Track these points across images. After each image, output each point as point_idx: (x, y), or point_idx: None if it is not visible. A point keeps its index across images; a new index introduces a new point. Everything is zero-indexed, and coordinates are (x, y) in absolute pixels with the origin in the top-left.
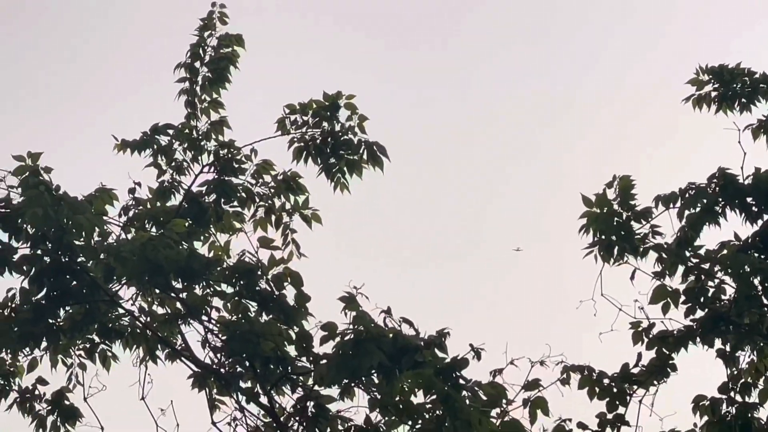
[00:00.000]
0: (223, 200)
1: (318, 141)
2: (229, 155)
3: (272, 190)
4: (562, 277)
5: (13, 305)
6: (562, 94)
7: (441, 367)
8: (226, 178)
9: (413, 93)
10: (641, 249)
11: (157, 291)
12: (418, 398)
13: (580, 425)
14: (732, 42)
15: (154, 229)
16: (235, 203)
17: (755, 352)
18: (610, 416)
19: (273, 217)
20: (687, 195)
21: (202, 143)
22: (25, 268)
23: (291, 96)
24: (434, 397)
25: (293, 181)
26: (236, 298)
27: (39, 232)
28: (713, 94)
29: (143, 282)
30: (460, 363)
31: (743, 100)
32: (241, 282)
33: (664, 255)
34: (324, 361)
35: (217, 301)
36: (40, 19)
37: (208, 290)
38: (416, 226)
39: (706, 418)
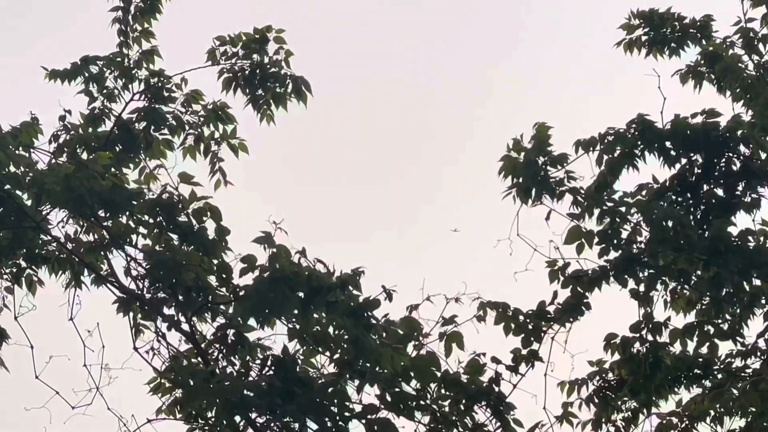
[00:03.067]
0: (153, 128)
1: (246, 72)
2: (160, 84)
3: (201, 119)
4: (479, 215)
5: None
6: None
7: (352, 307)
8: (157, 106)
9: None
10: (557, 191)
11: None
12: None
13: (494, 360)
14: None
15: (85, 155)
16: (165, 131)
17: (668, 293)
18: (524, 352)
19: (202, 146)
20: (606, 140)
21: (134, 72)
22: None
23: (223, 27)
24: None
25: (222, 110)
26: (157, 230)
27: None
28: (644, 38)
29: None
30: (372, 303)
31: (673, 44)
32: (163, 215)
33: (580, 198)
34: (242, 293)
35: (142, 230)
36: None
37: (131, 220)
38: (344, 157)
39: (617, 355)
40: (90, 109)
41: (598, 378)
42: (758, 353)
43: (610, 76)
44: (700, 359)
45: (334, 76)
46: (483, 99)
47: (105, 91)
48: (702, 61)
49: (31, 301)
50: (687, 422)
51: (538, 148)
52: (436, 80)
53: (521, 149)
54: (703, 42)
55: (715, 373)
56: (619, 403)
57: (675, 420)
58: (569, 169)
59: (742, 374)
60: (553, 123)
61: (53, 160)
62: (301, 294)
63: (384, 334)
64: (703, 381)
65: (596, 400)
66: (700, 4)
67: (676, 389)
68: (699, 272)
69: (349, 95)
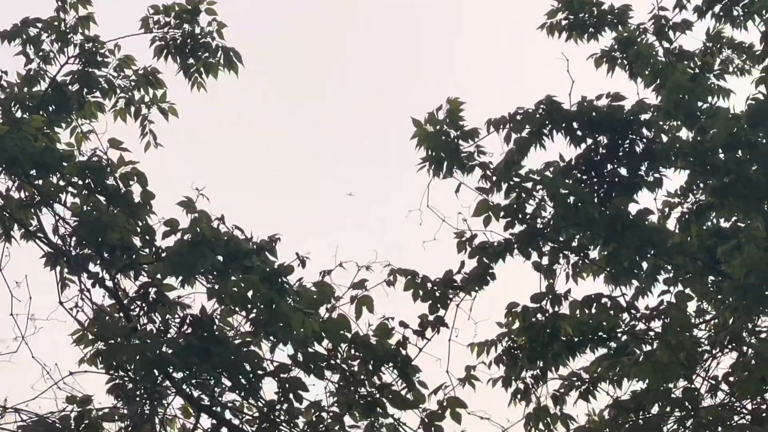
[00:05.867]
0: (85, 90)
1: (178, 41)
2: (94, 49)
3: (133, 83)
4: (392, 187)
5: None
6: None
7: (267, 272)
8: (90, 70)
9: None
10: (468, 165)
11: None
12: None
13: (402, 324)
14: None
15: (19, 113)
16: (97, 94)
17: (570, 266)
18: (431, 317)
19: (132, 109)
20: (516, 119)
21: (69, 36)
22: None
23: None
24: None
25: (152, 75)
26: (85, 191)
27: None
28: (564, 23)
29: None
30: (285, 270)
31: (591, 29)
32: (91, 177)
33: (488, 172)
34: (165, 254)
35: (71, 190)
36: None
37: (61, 181)
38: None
39: (517, 323)
40: (26, 70)
41: (506, 339)
42: (661, 317)
43: (523, 60)
44: (605, 323)
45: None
46: (398, 72)
47: (41, 53)
48: (616, 47)
49: None
50: (588, 384)
51: (451, 121)
52: (350, 51)
53: (435, 122)
54: (620, 28)
55: (620, 336)
56: (526, 361)
57: (576, 381)
58: (479, 144)
59: (645, 337)
60: (468, 101)
61: None
62: (219, 257)
63: (297, 298)
64: (608, 343)
65: (505, 360)
66: None
67: (579, 353)
68: (599, 248)
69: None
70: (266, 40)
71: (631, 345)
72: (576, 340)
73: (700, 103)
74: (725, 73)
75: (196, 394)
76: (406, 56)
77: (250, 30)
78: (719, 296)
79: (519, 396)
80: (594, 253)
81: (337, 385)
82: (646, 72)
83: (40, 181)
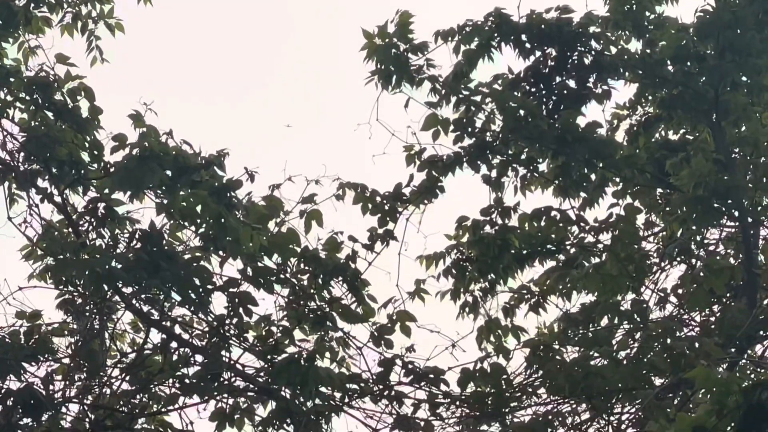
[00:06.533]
0: (32, 5)
1: None
2: None
3: None
4: (342, 100)
5: None
6: None
7: (215, 187)
8: None
9: None
10: (417, 79)
11: None
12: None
13: (351, 238)
14: None
15: None
16: (45, 8)
17: (519, 179)
18: (380, 231)
19: (79, 24)
20: (464, 30)
21: None
22: None
23: None
24: None
25: None
26: (33, 107)
27: None
28: None
29: None
30: (234, 184)
31: None
32: (39, 93)
33: (437, 86)
34: (113, 169)
35: (19, 105)
36: None
37: (8, 96)
38: (217, 52)
39: (467, 236)
40: None
41: (455, 251)
42: (609, 229)
43: None
44: (554, 236)
45: None
46: None
47: None
48: None
49: None
50: (538, 296)
51: (400, 34)
52: None
53: (385, 35)
54: None
55: (568, 248)
56: (476, 274)
57: (526, 294)
58: (429, 57)
59: (594, 249)
60: (416, 12)
61: None
62: (168, 172)
63: (246, 213)
64: (558, 256)
65: (454, 272)
66: None
67: (528, 265)
68: (548, 161)
69: None
70: None
71: (580, 257)
72: (525, 252)
73: (648, 13)
74: None
75: (145, 308)
76: None
77: None
78: (668, 208)
79: (467, 309)
80: (543, 166)
81: (286, 299)
82: None
83: None
